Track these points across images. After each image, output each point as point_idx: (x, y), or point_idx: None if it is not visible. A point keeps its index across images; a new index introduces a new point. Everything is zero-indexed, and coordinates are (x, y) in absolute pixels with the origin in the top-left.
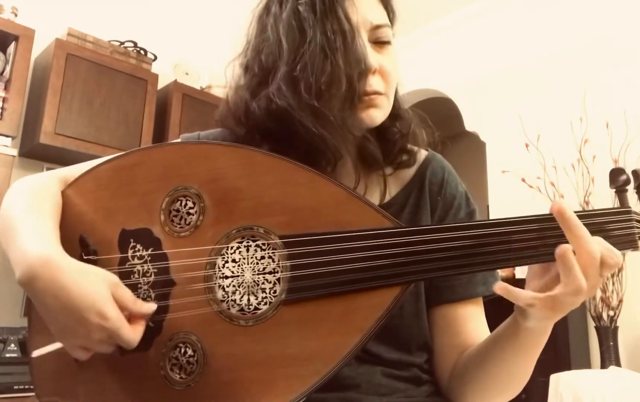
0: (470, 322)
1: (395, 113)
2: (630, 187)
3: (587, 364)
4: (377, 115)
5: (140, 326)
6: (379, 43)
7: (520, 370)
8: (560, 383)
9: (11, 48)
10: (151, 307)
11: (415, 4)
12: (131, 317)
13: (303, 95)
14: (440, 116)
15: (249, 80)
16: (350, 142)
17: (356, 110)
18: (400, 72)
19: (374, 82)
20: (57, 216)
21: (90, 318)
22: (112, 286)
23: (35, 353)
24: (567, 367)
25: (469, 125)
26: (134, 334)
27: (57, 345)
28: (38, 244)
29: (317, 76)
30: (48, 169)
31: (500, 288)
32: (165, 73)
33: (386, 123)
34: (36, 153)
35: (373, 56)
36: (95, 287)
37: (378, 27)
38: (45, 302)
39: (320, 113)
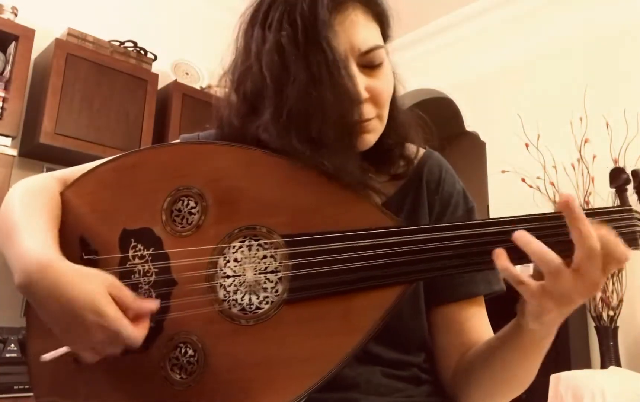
0: (473, 321)
1: (391, 120)
2: (630, 187)
3: (587, 364)
4: (370, 139)
5: (144, 323)
6: (370, 67)
7: (524, 372)
8: (560, 383)
9: (11, 48)
10: (153, 304)
11: (415, 3)
12: (135, 316)
13: (294, 142)
14: (440, 116)
15: (237, 105)
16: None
17: (351, 141)
18: (394, 80)
19: (365, 111)
20: (57, 218)
21: (87, 317)
22: (110, 286)
23: (44, 357)
24: (567, 367)
25: (469, 125)
26: (136, 331)
27: (65, 349)
28: (36, 249)
29: (305, 121)
30: (48, 169)
31: (500, 261)
32: (165, 73)
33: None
34: (36, 153)
35: (362, 83)
36: (91, 287)
37: (368, 51)
38: (44, 306)
39: (318, 157)
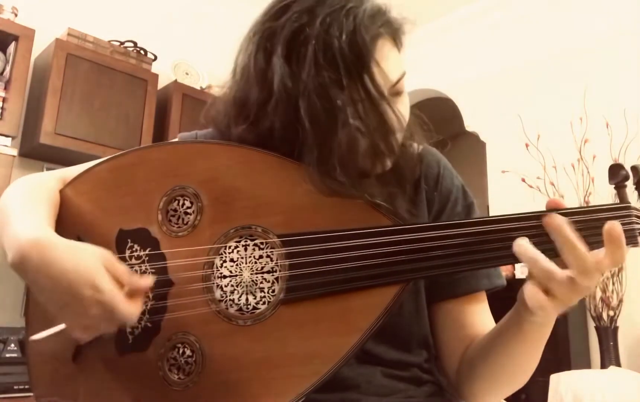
0: (475, 315)
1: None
2: (630, 183)
3: (587, 364)
4: (389, 162)
5: (138, 300)
6: (398, 94)
7: (526, 361)
8: (560, 383)
9: (11, 48)
10: (148, 280)
11: (416, 3)
12: (129, 293)
13: (341, 179)
14: (440, 116)
15: (247, 131)
16: None
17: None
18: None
19: (398, 138)
20: (53, 209)
21: (84, 292)
22: (106, 260)
23: (34, 337)
24: (567, 367)
25: (469, 125)
26: (131, 307)
27: (56, 328)
28: (28, 227)
29: (354, 160)
30: (48, 169)
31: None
32: (165, 73)
33: None
34: (36, 153)
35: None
36: (87, 261)
37: (398, 81)
38: (39, 282)
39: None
